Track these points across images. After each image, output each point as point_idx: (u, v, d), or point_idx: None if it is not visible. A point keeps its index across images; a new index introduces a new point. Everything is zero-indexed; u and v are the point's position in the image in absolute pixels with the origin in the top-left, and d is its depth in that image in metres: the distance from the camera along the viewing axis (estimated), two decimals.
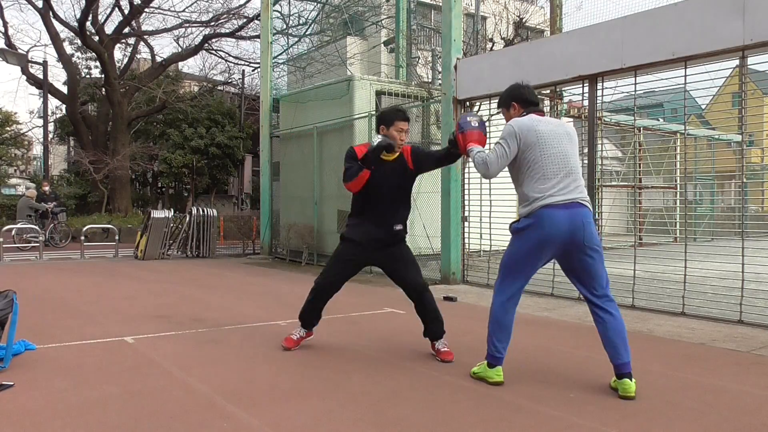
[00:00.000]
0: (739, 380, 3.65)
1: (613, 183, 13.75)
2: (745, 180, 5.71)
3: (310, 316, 4.37)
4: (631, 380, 3.26)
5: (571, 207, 3.28)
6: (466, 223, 8.16)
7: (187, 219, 12.43)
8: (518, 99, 3.59)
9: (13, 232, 13.39)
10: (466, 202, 8.12)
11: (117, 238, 12.86)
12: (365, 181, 4.02)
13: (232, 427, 2.82)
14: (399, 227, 4.15)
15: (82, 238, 12.14)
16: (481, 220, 7.77)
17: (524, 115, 3.48)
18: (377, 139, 3.99)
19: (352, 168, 4.03)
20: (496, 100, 7.99)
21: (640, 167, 12.30)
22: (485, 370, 3.52)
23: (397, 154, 4.10)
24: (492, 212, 7.56)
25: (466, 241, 8.19)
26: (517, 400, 3.25)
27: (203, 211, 12.61)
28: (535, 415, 3.01)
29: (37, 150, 36.39)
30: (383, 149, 3.96)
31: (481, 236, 7.85)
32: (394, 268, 4.18)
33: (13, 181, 38.19)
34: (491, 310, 3.52)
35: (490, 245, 7.67)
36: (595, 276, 3.34)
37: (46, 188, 15.95)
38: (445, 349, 4.14)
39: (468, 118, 3.66)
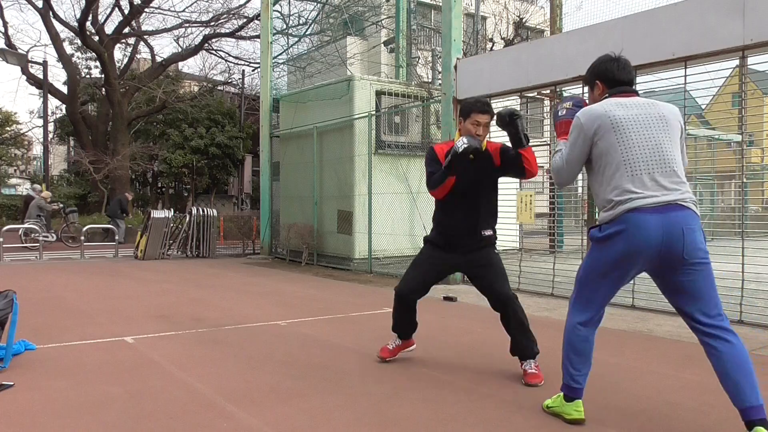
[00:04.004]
0: None
1: None
2: (745, 180, 5.71)
3: (400, 325, 4.01)
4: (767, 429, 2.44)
5: (667, 211, 2.58)
6: None
7: (187, 219, 12.43)
8: (603, 76, 2.88)
9: (20, 232, 13.46)
10: None
11: (117, 238, 12.88)
12: (450, 187, 3.68)
13: (232, 427, 2.82)
14: (488, 232, 3.77)
15: (82, 238, 12.15)
16: None
17: (605, 98, 2.83)
18: (462, 141, 3.51)
19: (435, 173, 3.68)
20: (497, 100, 8.05)
21: None
22: (561, 405, 2.92)
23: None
24: None
25: None
26: (517, 400, 3.25)
27: (203, 211, 12.62)
28: (535, 415, 3.01)
29: (37, 150, 36.43)
30: (469, 155, 3.49)
31: None
32: (478, 275, 3.79)
33: (13, 181, 38.22)
34: (565, 332, 2.92)
35: None
36: (701, 297, 2.62)
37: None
38: (533, 370, 3.61)
39: (559, 106, 3.05)
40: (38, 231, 12.64)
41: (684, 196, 2.62)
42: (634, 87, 2.87)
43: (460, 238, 3.75)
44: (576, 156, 2.81)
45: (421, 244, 4.02)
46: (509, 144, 3.66)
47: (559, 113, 3.00)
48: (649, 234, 2.57)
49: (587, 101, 3.01)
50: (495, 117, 3.62)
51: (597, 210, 2.83)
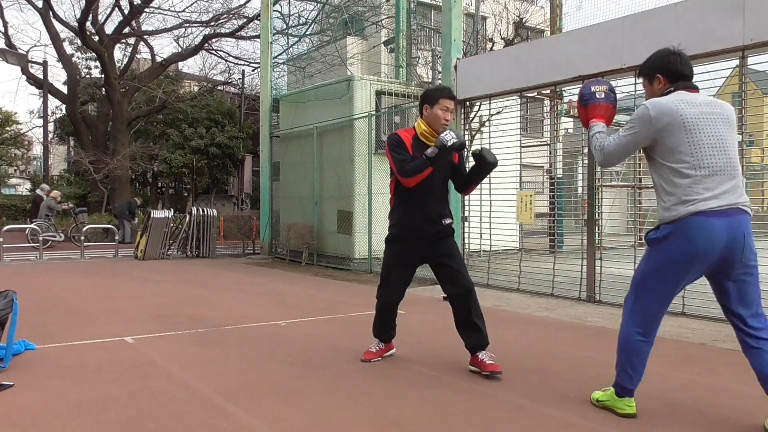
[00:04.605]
0: (739, 380, 3.65)
1: (613, 183, 13.75)
2: (745, 180, 5.70)
3: (382, 330, 4.08)
4: None
5: (731, 215, 2.63)
6: (466, 223, 8.17)
7: (187, 219, 12.43)
8: (665, 70, 2.85)
9: (27, 232, 13.50)
10: (466, 202, 8.13)
11: (117, 238, 12.88)
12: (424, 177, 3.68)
13: (232, 427, 2.82)
14: (449, 221, 3.83)
15: (82, 238, 12.16)
16: (481, 220, 7.77)
17: (668, 93, 2.80)
18: (451, 136, 3.52)
19: (412, 162, 3.64)
20: (496, 100, 8.05)
21: (640, 167, 12.30)
22: (613, 400, 2.97)
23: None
24: (492, 212, 7.57)
25: (466, 241, 8.19)
26: (517, 400, 3.25)
27: (203, 211, 12.61)
28: (535, 415, 3.01)
29: (37, 150, 36.41)
30: (455, 150, 3.56)
31: (481, 236, 7.86)
32: (443, 264, 3.79)
33: (13, 181, 38.21)
34: (621, 335, 2.92)
35: (490, 245, 7.67)
36: (751, 298, 2.74)
37: None
38: (491, 361, 3.67)
39: (592, 88, 3.05)
40: (39, 231, 12.64)
41: (744, 200, 2.69)
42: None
43: (425, 229, 3.77)
44: (634, 144, 2.81)
45: None
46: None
47: (597, 95, 3.00)
48: (714, 237, 2.61)
49: (612, 94, 3.07)
50: (481, 153, 3.74)
51: (658, 206, 2.82)
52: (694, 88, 2.82)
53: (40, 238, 12.23)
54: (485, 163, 3.72)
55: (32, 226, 13.25)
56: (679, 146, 2.68)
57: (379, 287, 3.98)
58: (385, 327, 4.07)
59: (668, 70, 2.83)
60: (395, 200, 3.89)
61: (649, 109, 2.73)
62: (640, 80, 3.07)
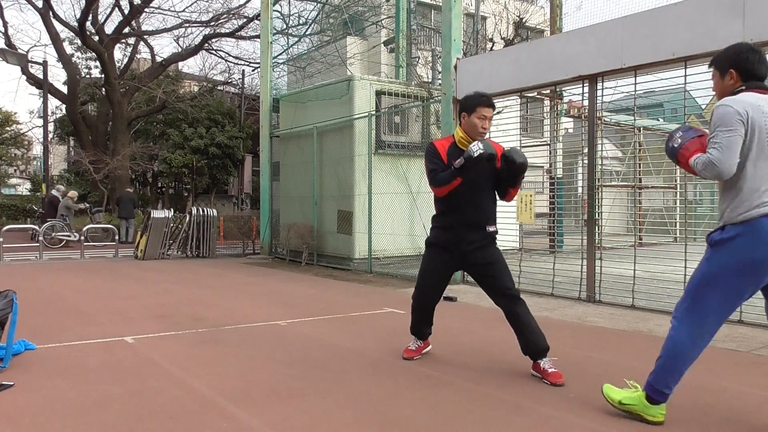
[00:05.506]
0: (739, 380, 3.65)
1: (613, 183, 13.75)
2: None
3: (419, 328, 4.14)
4: None
5: None
6: None
7: (187, 219, 12.43)
8: (741, 67, 2.69)
9: (39, 233, 13.55)
10: None
11: (117, 238, 12.89)
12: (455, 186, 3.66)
13: (232, 427, 2.82)
14: (492, 228, 3.78)
15: (82, 238, 12.15)
16: None
17: (740, 91, 2.66)
18: (478, 146, 3.48)
19: (443, 173, 3.65)
20: (496, 100, 8.02)
21: (640, 167, 12.31)
22: (643, 406, 2.83)
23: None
24: None
25: None
26: (517, 400, 3.25)
27: (203, 211, 12.62)
28: (535, 415, 3.01)
29: (37, 150, 36.43)
30: (484, 161, 3.49)
31: None
32: (485, 273, 3.75)
33: (13, 181, 38.22)
34: (670, 340, 2.76)
35: None
36: None
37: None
38: (553, 369, 3.56)
39: (670, 144, 2.83)
40: (39, 231, 12.64)
41: None
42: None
43: (466, 235, 3.72)
44: (736, 143, 2.55)
45: (422, 245, 4.01)
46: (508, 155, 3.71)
47: (678, 142, 2.78)
48: None
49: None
50: (511, 155, 3.63)
51: (721, 208, 2.66)
52: (766, 89, 2.66)
53: (40, 238, 12.23)
54: (514, 164, 3.61)
55: (45, 226, 13.27)
56: (758, 145, 2.56)
57: (415, 288, 4.04)
58: (421, 326, 4.12)
59: (744, 68, 2.68)
60: (437, 205, 3.89)
61: (735, 107, 2.56)
62: (710, 70, 2.88)
